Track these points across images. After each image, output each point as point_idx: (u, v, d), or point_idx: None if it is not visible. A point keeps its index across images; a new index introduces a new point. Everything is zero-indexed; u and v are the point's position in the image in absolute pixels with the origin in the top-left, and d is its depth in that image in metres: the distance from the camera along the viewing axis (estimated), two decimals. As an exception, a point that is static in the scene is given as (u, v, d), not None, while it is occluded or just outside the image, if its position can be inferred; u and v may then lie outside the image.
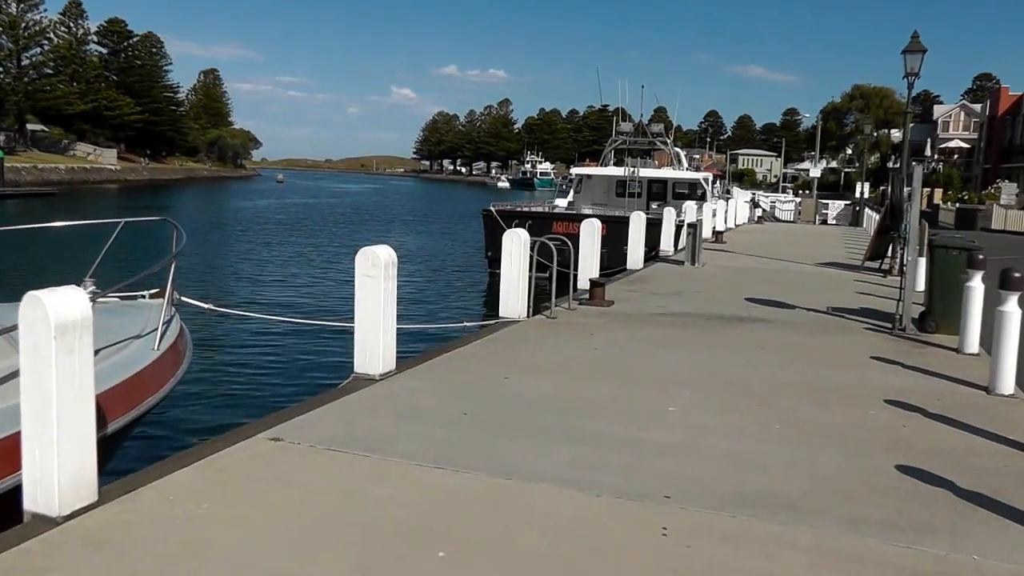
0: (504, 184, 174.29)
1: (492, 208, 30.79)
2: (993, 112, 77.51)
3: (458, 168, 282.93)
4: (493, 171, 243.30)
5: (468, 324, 11.47)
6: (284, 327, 17.22)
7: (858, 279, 19.69)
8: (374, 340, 8.75)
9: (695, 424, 7.64)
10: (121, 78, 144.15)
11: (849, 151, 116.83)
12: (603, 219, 30.60)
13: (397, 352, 9.14)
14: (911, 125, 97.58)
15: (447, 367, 9.46)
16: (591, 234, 16.06)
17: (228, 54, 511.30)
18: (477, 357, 10.02)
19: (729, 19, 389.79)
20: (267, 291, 27.15)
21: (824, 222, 53.69)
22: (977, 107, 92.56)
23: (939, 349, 11.62)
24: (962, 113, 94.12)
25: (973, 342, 11.35)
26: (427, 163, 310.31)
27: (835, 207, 55.92)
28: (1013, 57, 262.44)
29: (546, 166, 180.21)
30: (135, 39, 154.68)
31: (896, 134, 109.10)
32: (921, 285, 13.97)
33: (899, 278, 20.06)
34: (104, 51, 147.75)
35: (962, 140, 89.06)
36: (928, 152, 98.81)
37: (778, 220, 56.36)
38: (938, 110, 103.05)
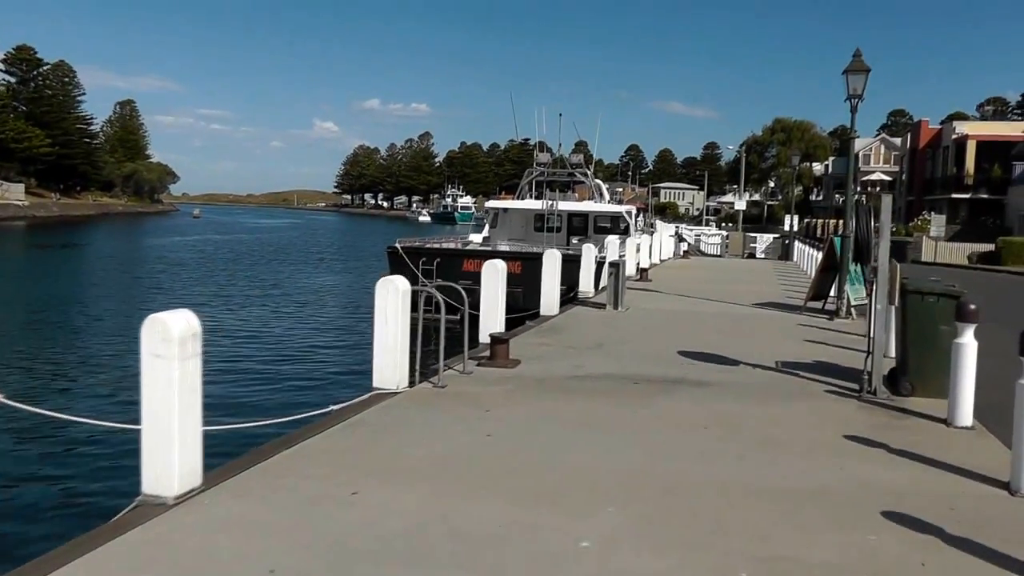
0: (425, 218, 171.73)
1: (398, 244, 28.04)
2: (915, 145, 77.13)
3: (379, 202, 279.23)
4: (414, 205, 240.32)
5: (334, 407, 8.80)
6: (68, 429, 12.85)
7: (802, 323, 17.42)
8: (166, 449, 6.04)
9: (621, 572, 5.07)
10: (31, 108, 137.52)
11: (772, 184, 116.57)
12: (515, 256, 28.37)
13: (222, 451, 6.46)
14: (831, 159, 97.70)
15: (279, 474, 6.75)
16: (494, 277, 13.41)
17: (150, 85, 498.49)
18: (327, 454, 7.31)
19: (648, 54, 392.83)
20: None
21: (752, 256, 51.97)
22: (896, 140, 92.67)
23: (924, 421, 9.26)
24: (882, 146, 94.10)
25: (966, 413, 9.02)
26: (348, 197, 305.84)
27: (763, 240, 54.26)
28: (924, 92, 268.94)
29: (467, 200, 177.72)
30: (45, 67, 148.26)
31: (817, 167, 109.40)
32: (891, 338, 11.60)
33: (847, 320, 18.09)
34: (12, 80, 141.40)
35: (884, 173, 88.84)
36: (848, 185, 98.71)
37: (704, 254, 54.56)
38: (858, 144, 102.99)
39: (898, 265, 10.33)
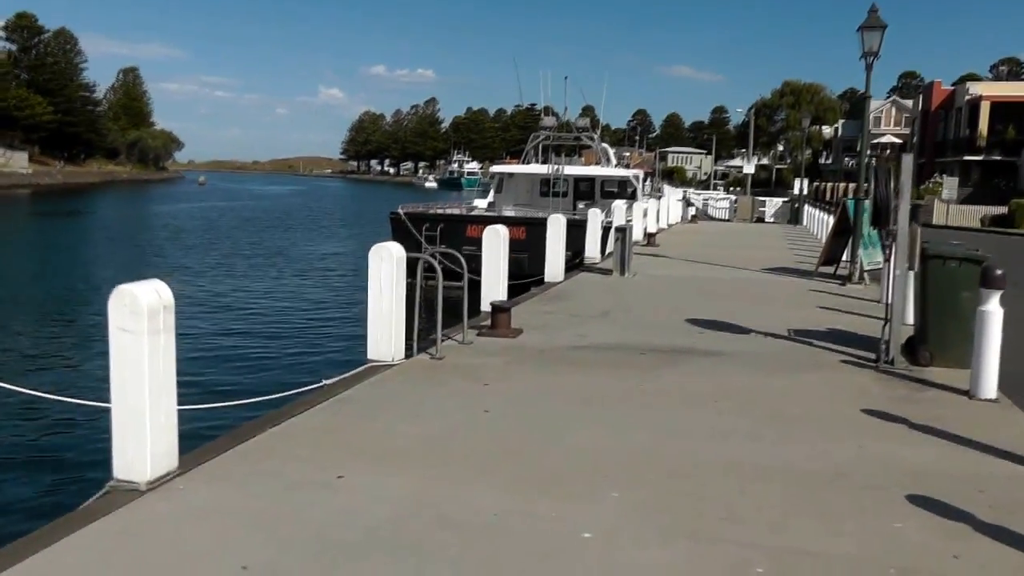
0: (431, 184, 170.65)
1: (400, 211, 27.52)
2: (927, 107, 76.01)
3: (385, 168, 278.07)
4: (420, 171, 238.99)
5: (326, 382, 8.36)
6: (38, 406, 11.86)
7: (814, 288, 16.93)
8: (138, 430, 5.62)
9: (625, 567, 4.64)
10: (32, 76, 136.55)
11: (780, 147, 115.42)
12: (520, 221, 27.84)
13: (200, 431, 6.06)
14: (841, 122, 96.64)
15: (260, 456, 6.32)
16: (496, 244, 12.89)
17: (153, 52, 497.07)
18: (313, 434, 6.88)
19: (655, 18, 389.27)
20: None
21: (761, 220, 51.24)
22: (908, 103, 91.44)
23: (945, 393, 8.78)
24: (893, 109, 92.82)
25: (990, 384, 8.55)
26: (354, 164, 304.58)
27: (772, 204, 53.44)
28: (936, 54, 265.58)
29: (473, 165, 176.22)
30: (46, 35, 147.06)
31: (827, 130, 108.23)
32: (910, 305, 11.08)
33: (860, 286, 17.61)
34: (13, 48, 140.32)
35: (894, 135, 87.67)
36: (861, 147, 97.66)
37: (712, 219, 53.89)
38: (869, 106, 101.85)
39: (918, 229, 9.83)
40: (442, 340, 9.83)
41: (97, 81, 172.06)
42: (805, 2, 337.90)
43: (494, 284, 12.83)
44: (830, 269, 19.14)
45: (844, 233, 18.91)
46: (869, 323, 12.52)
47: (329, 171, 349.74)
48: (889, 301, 9.86)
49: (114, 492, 5.57)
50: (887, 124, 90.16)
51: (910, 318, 10.99)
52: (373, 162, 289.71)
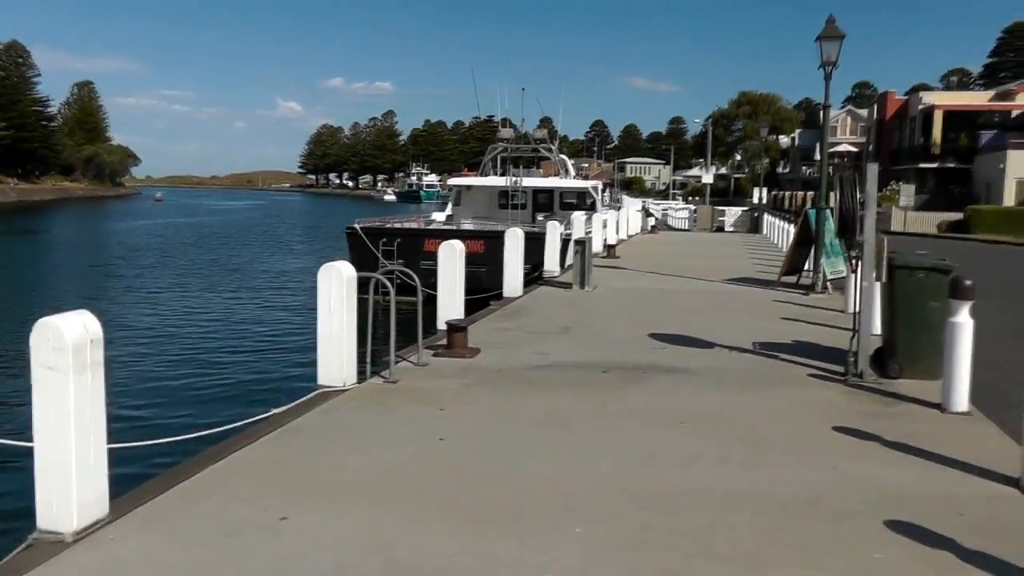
0: (390, 197, 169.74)
1: (357, 225, 27.04)
2: (881, 116, 76.65)
3: (344, 182, 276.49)
4: (379, 184, 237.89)
5: (275, 411, 7.94)
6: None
7: (778, 299, 16.71)
8: (63, 475, 5.17)
9: (592, 617, 4.27)
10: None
11: (738, 157, 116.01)
12: (478, 234, 27.51)
13: (136, 470, 5.60)
14: (797, 131, 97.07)
15: (200, 496, 5.87)
16: (452, 259, 12.50)
17: (110, 67, 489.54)
18: (257, 469, 6.44)
19: (613, 30, 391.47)
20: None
21: (721, 229, 51.29)
22: (863, 112, 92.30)
23: (917, 407, 8.53)
24: (848, 118, 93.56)
25: (962, 398, 8.32)
26: (313, 177, 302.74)
27: (732, 214, 53.52)
28: (888, 65, 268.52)
29: (432, 178, 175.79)
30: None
31: (784, 140, 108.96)
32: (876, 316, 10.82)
33: (823, 295, 17.41)
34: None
35: (851, 144, 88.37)
36: (818, 156, 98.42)
37: (672, 229, 53.87)
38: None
39: (885, 239, 9.57)
40: (395, 362, 9.43)
41: (51, 96, 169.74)
42: (760, 14, 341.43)
43: (450, 300, 12.44)
44: (793, 279, 18.96)
45: (806, 243, 18.74)
46: (835, 334, 12.28)
47: (288, 185, 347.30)
48: (856, 312, 9.59)
49: (37, 545, 5.11)
50: (843, 133, 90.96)
51: (876, 329, 10.75)
52: (332, 175, 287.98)
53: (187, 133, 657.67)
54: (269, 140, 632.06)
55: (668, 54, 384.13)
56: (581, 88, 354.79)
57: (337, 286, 8.84)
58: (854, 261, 9.55)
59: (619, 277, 20.56)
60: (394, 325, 9.17)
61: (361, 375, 9.22)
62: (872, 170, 9.30)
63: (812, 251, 18.36)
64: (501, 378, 9.56)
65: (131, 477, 6.35)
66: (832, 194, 9.46)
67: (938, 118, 64.47)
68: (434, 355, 10.60)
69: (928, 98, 68.02)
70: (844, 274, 17.51)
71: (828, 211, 18.03)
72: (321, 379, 8.95)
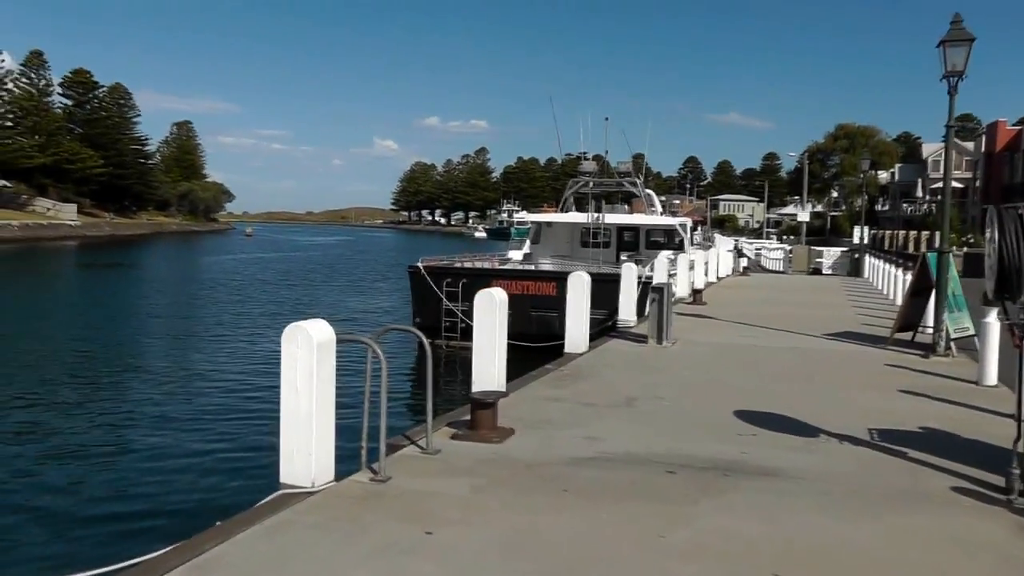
0: (481, 234, 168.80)
1: (420, 264, 24.86)
2: (990, 148, 72.10)
3: (436, 219, 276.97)
4: (470, 221, 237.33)
5: (220, 522, 5.77)
6: None
7: (892, 363, 13.92)
8: None
9: None
10: (86, 130, 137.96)
11: (835, 193, 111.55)
12: (550, 276, 25.04)
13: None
14: (897, 166, 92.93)
15: None
16: (490, 311, 10.08)
17: (210, 108, 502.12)
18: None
19: (703, 66, 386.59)
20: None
21: (817, 271, 47.92)
22: (969, 145, 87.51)
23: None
24: (953, 151, 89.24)
25: None
26: (405, 214, 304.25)
27: (830, 254, 50.10)
28: (987, 96, 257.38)
29: (522, 215, 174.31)
30: (102, 91, 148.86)
31: (883, 175, 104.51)
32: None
33: (946, 359, 14.56)
34: (69, 103, 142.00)
35: (956, 180, 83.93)
36: (920, 193, 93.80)
37: (765, 270, 50.69)
38: (927, 149, 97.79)
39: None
40: (386, 453, 7.07)
41: (150, 135, 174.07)
42: (856, 46, 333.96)
43: (488, 362, 10.02)
44: (907, 336, 16.12)
45: (923, 293, 15.91)
46: (974, 419, 9.61)
47: (380, 221, 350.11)
48: (1020, 403, 6.89)
49: None
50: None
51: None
52: (424, 212, 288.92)
53: (284, 170, 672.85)
54: (364, 177, 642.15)
55: (760, 89, 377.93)
56: (672, 125, 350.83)
57: (306, 353, 6.55)
58: (1018, 331, 6.88)
59: (704, 329, 17.94)
60: (385, 400, 6.85)
61: (341, 469, 6.91)
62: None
63: (931, 303, 15.59)
64: (530, 478, 7.12)
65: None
66: (989, 234, 6.82)
67: (1055, 149, 60.17)
68: (453, 437, 8.25)
69: (1044, 127, 63.64)
70: (971, 332, 14.72)
71: (950, 256, 15.27)
72: (284, 476, 6.67)
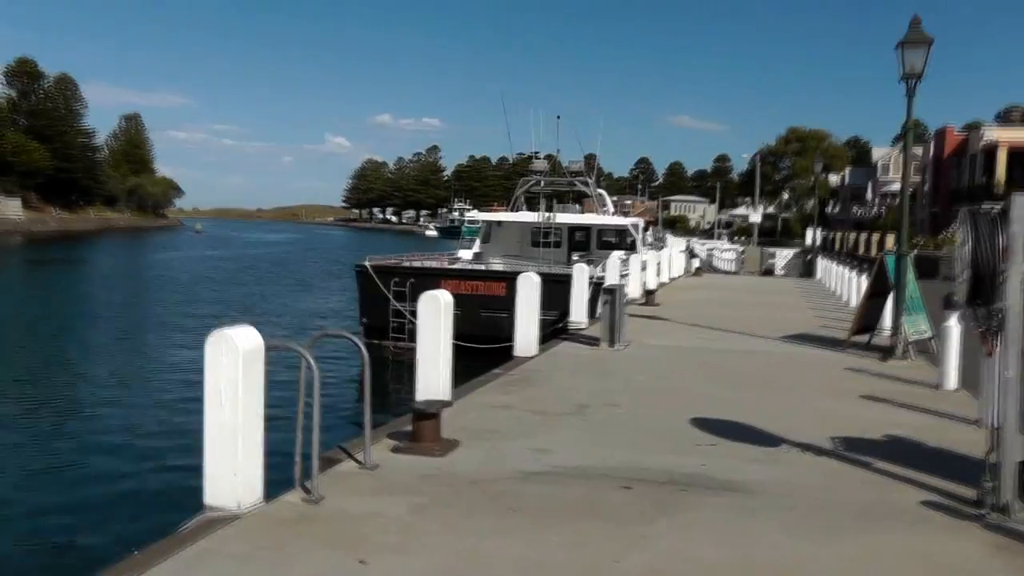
0: (432, 232, 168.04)
1: (367, 263, 24.29)
2: (939, 153, 72.86)
3: (387, 216, 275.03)
4: (421, 219, 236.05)
5: (137, 551, 5.25)
6: None
7: (851, 366, 13.63)
8: None
9: None
10: (31, 122, 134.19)
11: (786, 195, 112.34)
12: (499, 276, 24.55)
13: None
14: (847, 169, 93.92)
15: None
16: (435, 313, 9.59)
17: (164, 101, 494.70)
18: None
19: (656, 69, 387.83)
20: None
21: (770, 272, 47.94)
22: (918, 150, 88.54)
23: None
24: (902, 156, 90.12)
25: None
26: (356, 212, 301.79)
27: (783, 255, 50.17)
28: (938, 102, 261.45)
29: (474, 213, 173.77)
30: (47, 81, 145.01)
31: (833, 178, 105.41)
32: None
33: (904, 362, 14.31)
34: (13, 93, 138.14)
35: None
36: (870, 195, 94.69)
37: (717, 271, 50.65)
38: (876, 153, 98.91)
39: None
40: (319, 470, 6.55)
41: (98, 128, 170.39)
42: (807, 51, 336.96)
43: (432, 369, 9.51)
44: (864, 338, 15.86)
45: (881, 294, 15.66)
46: (938, 426, 9.31)
47: (331, 219, 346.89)
48: (993, 421, 6.50)
49: None
50: (896, 171, 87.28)
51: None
52: (375, 210, 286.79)
53: (235, 166, 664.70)
54: (316, 175, 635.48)
55: (712, 92, 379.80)
56: (625, 126, 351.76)
57: (231, 362, 6.01)
58: (990, 338, 6.51)
59: (658, 331, 17.57)
60: (319, 412, 6.34)
61: (270, 488, 6.37)
62: (1019, 203, 6.32)
63: (888, 305, 15.37)
64: (474, 496, 6.63)
65: None
66: (961, 236, 6.45)
67: (1002, 155, 60.77)
68: (394, 450, 7.74)
69: (991, 133, 64.26)
70: (928, 335, 14.49)
71: (909, 258, 15.02)
72: (208, 497, 6.11)
